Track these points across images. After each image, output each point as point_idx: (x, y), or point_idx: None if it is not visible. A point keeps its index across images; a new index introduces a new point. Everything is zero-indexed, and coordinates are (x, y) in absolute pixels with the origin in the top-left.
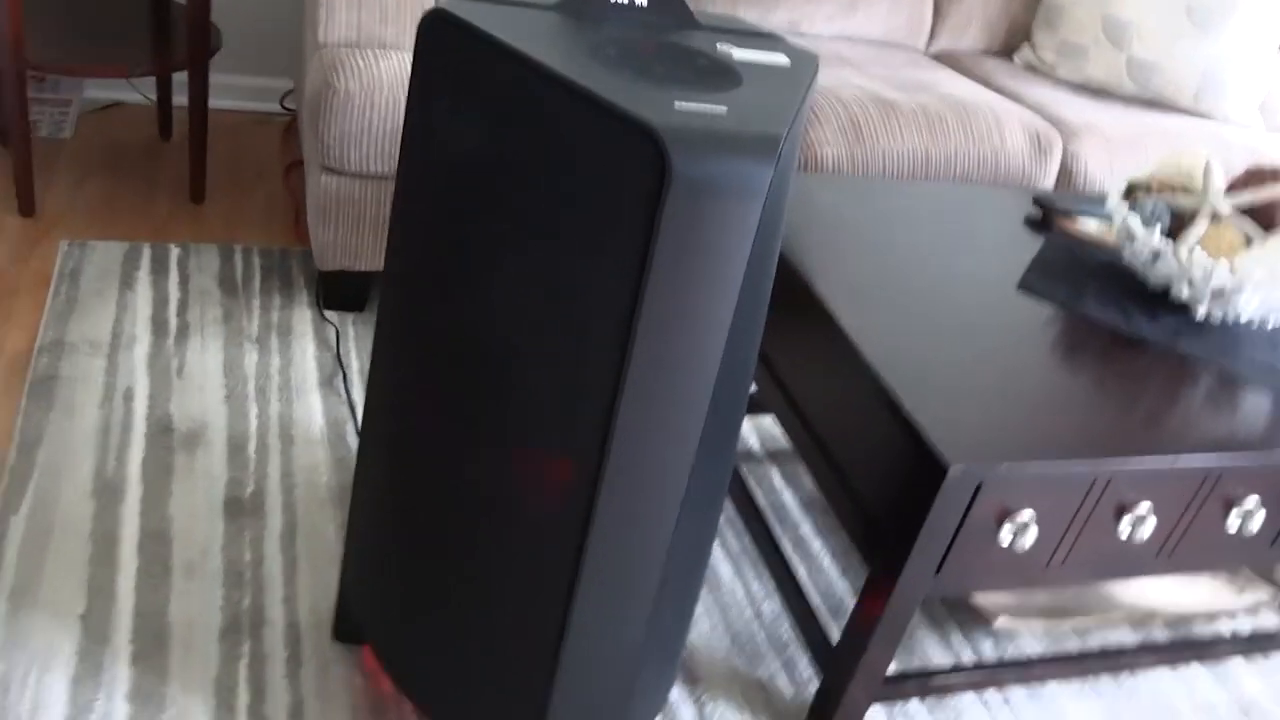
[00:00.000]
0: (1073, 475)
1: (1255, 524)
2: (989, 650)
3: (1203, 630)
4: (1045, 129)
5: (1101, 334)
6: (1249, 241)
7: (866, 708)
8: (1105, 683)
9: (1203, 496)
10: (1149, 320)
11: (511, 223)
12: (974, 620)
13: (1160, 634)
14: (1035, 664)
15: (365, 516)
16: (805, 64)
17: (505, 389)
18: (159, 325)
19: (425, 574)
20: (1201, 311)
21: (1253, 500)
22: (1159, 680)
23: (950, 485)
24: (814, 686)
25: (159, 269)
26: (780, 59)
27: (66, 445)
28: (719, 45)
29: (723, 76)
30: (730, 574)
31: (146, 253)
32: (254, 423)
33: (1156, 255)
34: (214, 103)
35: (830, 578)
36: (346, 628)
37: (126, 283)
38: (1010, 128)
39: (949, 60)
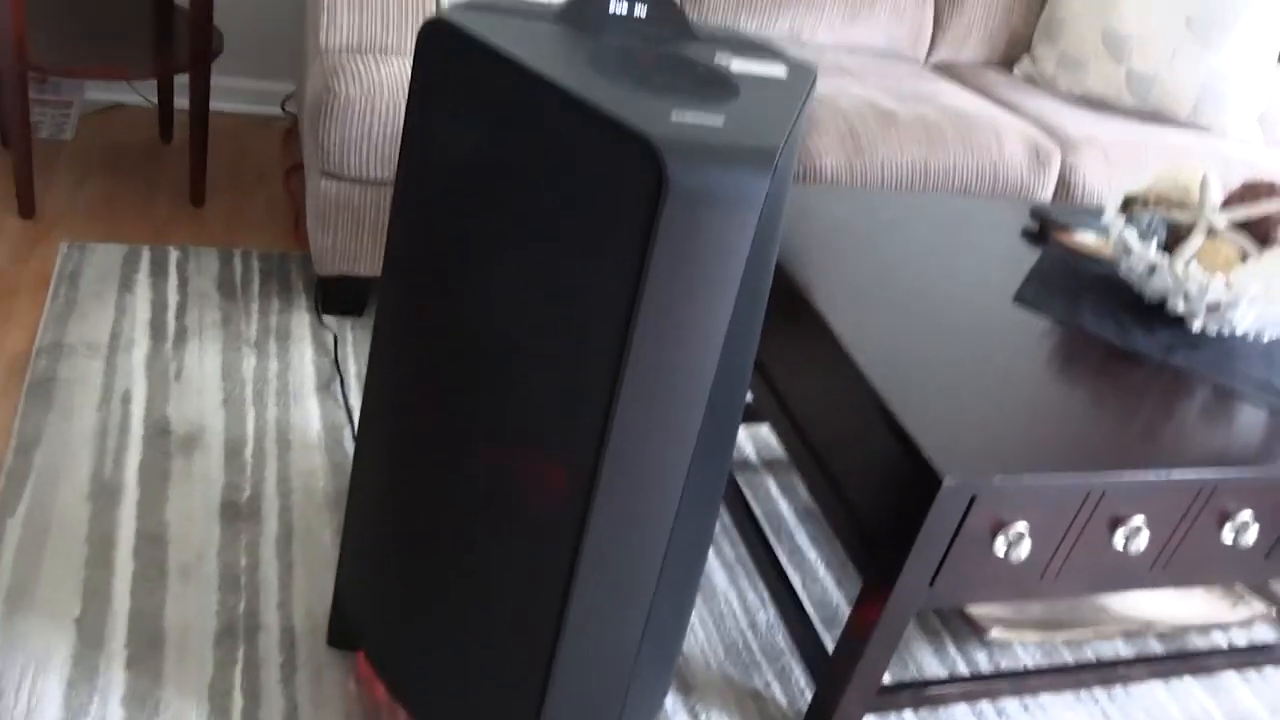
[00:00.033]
0: (1067, 488)
1: (1249, 538)
2: (983, 661)
3: (1197, 643)
4: (1044, 141)
5: (1097, 347)
6: (1245, 256)
7: (861, 718)
8: (1099, 695)
9: (1197, 510)
10: (1144, 334)
11: (510, 228)
12: (968, 631)
13: (1154, 646)
14: (1029, 675)
15: (361, 519)
16: (803, 75)
17: (502, 390)
18: (158, 328)
19: (420, 575)
20: (1197, 325)
21: (1247, 514)
22: (1152, 693)
23: (944, 497)
24: (809, 696)
25: (158, 272)
26: (778, 70)
27: (64, 447)
28: (717, 56)
29: (720, 87)
30: (726, 583)
31: (146, 255)
32: (251, 427)
33: (1152, 269)
34: (215, 105)
35: (825, 587)
36: (341, 633)
37: (126, 285)
38: (1009, 140)
39: (949, 71)
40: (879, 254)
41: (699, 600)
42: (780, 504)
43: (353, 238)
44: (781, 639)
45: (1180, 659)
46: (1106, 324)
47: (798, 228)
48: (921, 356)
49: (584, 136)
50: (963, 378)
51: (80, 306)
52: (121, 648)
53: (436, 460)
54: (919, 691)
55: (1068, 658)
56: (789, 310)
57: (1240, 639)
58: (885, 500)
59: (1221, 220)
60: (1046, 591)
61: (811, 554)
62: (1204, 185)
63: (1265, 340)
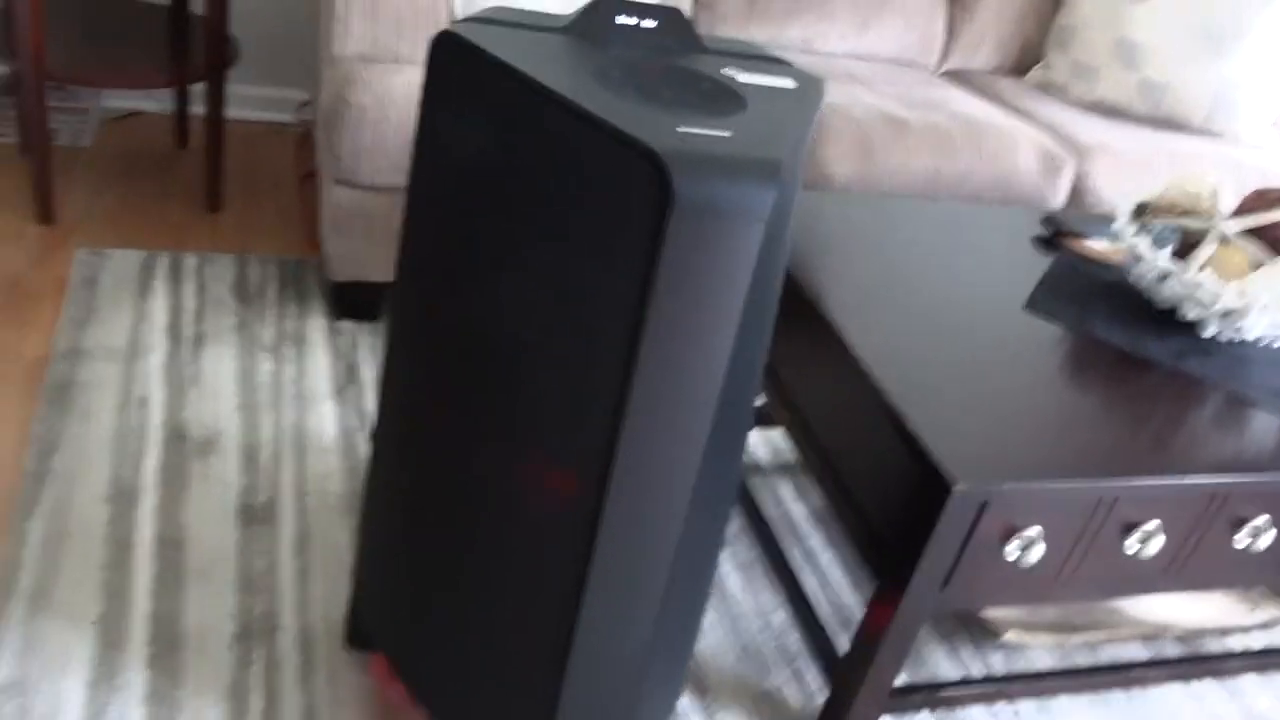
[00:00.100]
0: (1078, 493)
1: (1264, 542)
2: (998, 663)
3: (1214, 646)
4: (1056, 149)
5: (1108, 353)
6: (1256, 264)
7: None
8: (1116, 697)
9: (1210, 516)
10: (1156, 340)
11: (519, 238)
12: (983, 633)
13: (1171, 649)
14: (1045, 677)
15: (377, 521)
16: (811, 87)
17: (513, 395)
18: (175, 333)
19: (434, 576)
20: (1209, 332)
21: (1262, 519)
22: (1170, 695)
23: (955, 503)
24: (822, 698)
25: (175, 277)
26: (786, 82)
27: (83, 451)
28: (724, 68)
29: (727, 100)
30: (740, 585)
31: (163, 261)
32: (268, 431)
33: (1164, 276)
34: (231, 113)
35: (839, 590)
36: (358, 634)
37: (143, 290)
38: (1021, 147)
39: (961, 79)
40: (890, 261)
41: (713, 602)
42: (795, 507)
43: (367, 244)
44: (796, 640)
45: (1198, 662)
46: (1117, 331)
47: (809, 235)
48: (932, 363)
49: (591, 149)
50: (974, 384)
51: (98, 312)
52: (141, 648)
53: (449, 463)
54: (933, 693)
55: (1084, 660)
56: (800, 316)
57: (1258, 642)
58: (896, 505)
59: (1233, 228)
60: (1059, 596)
61: (825, 556)
62: (1214, 193)
63: (1276, 347)
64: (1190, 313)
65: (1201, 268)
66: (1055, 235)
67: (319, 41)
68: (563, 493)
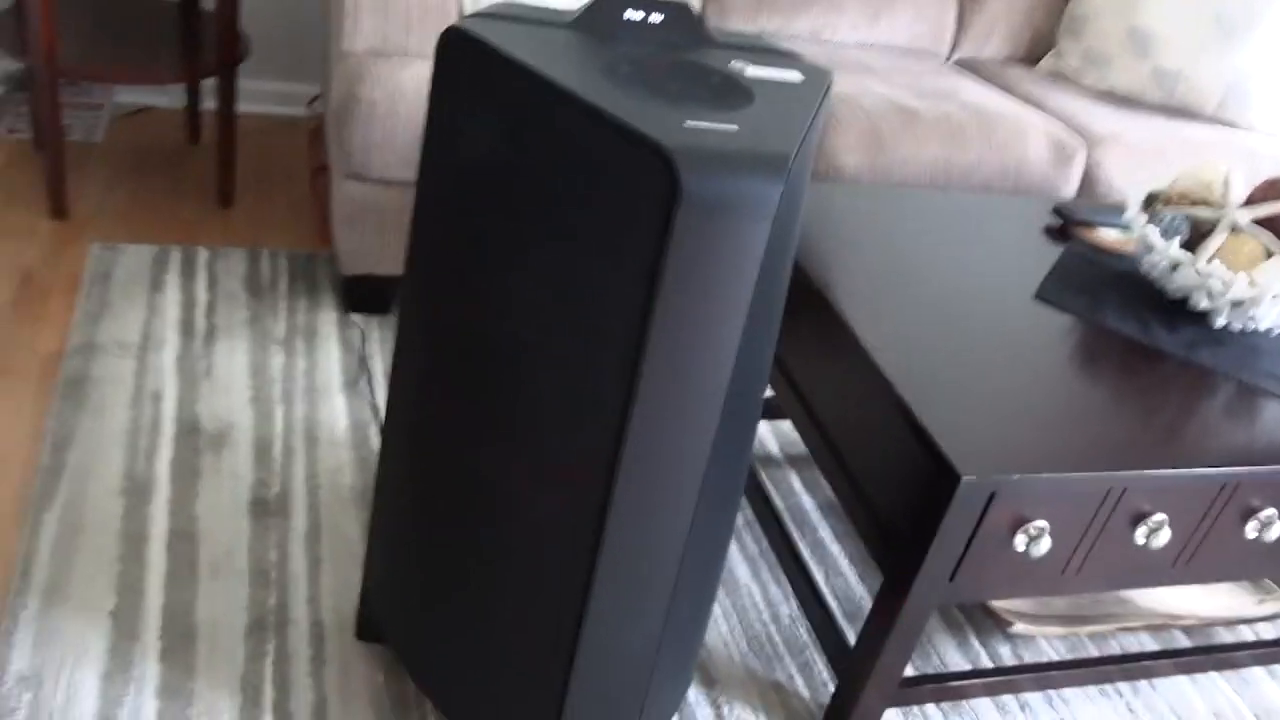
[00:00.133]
0: (1087, 485)
1: (1274, 534)
2: (1006, 655)
3: (1223, 638)
4: (1068, 138)
5: (1119, 344)
6: (1268, 253)
7: (882, 711)
8: (1123, 688)
9: (1220, 507)
10: (1167, 331)
11: (527, 232)
12: (991, 624)
13: (1180, 640)
14: (1053, 669)
15: (387, 514)
16: (819, 80)
17: (521, 387)
18: (187, 327)
19: (443, 570)
20: (1220, 322)
21: (1271, 511)
22: (1178, 687)
23: (963, 494)
24: (831, 690)
25: (188, 271)
26: (793, 76)
27: (97, 445)
28: (732, 62)
29: (735, 94)
30: (749, 577)
31: (176, 255)
32: (279, 424)
33: (1175, 266)
34: (242, 107)
35: (848, 581)
36: (368, 627)
37: (156, 285)
38: (1032, 136)
39: (972, 68)
40: (899, 252)
41: (722, 593)
42: (804, 498)
43: (378, 238)
44: (804, 632)
45: (1206, 653)
46: (1128, 321)
47: (818, 226)
48: (941, 353)
49: (598, 144)
50: (983, 375)
51: (111, 306)
52: (155, 640)
53: (457, 457)
54: (941, 684)
55: (1092, 651)
56: (809, 308)
57: (1267, 634)
58: (905, 496)
59: (1244, 217)
60: (1067, 587)
61: (834, 548)
62: (1226, 183)
63: None
64: (1201, 303)
65: (1212, 258)
66: (1066, 225)
67: (329, 36)
68: (570, 488)
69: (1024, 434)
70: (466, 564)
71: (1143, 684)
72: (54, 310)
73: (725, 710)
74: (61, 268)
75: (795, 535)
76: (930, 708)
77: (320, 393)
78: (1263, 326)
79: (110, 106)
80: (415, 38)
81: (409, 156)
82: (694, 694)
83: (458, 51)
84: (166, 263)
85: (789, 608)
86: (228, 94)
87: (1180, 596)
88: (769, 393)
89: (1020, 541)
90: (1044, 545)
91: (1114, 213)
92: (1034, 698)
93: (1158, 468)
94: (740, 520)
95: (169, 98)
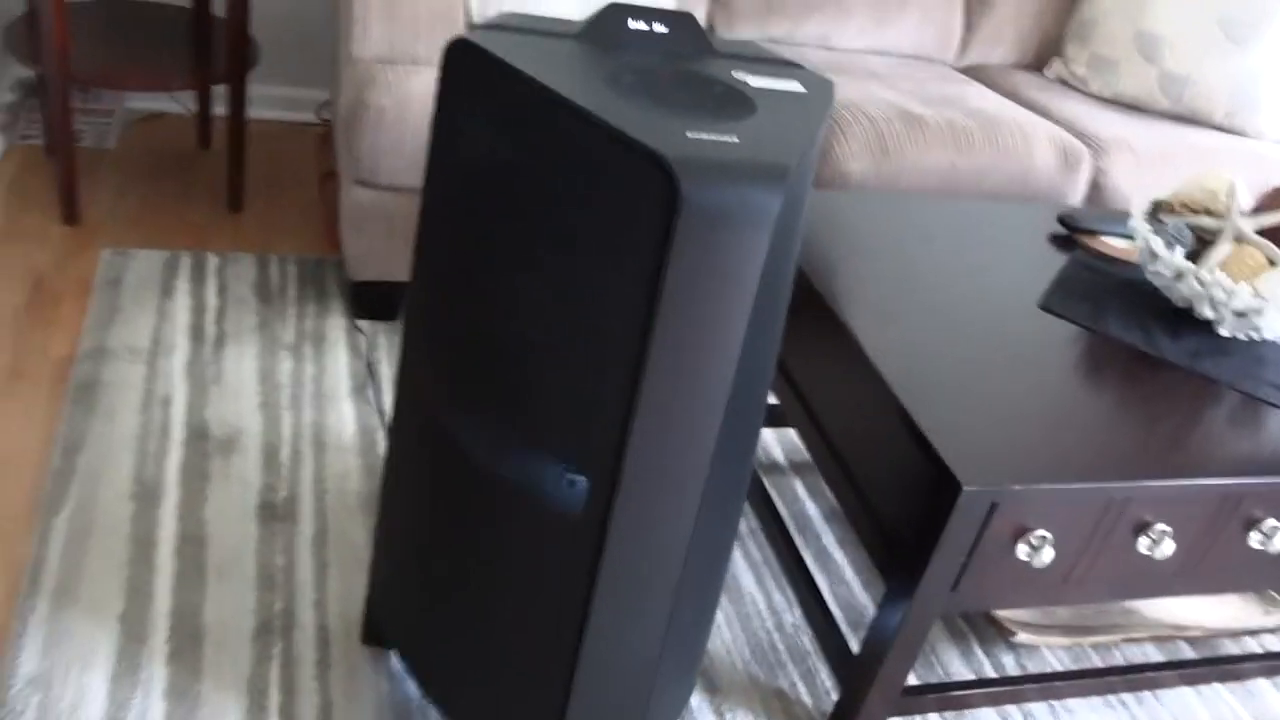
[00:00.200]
0: (1089, 496)
1: (1277, 545)
2: (1010, 664)
3: (1228, 649)
4: (1074, 144)
5: (1122, 353)
6: (1272, 263)
7: (884, 719)
8: (1127, 699)
9: (1223, 518)
10: (1171, 340)
11: (530, 241)
12: (995, 634)
13: (1184, 651)
14: (1056, 679)
15: (392, 520)
16: (822, 90)
17: (524, 394)
18: (197, 332)
19: (447, 575)
20: (1224, 332)
21: (1275, 521)
22: (1182, 698)
23: (964, 504)
24: (834, 697)
25: (198, 277)
26: (796, 85)
27: (107, 449)
28: (735, 72)
29: (737, 104)
30: (752, 584)
31: (186, 261)
32: (288, 430)
33: (1178, 275)
34: (252, 113)
35: (852, 589)
36: (374, 632)
37: (166, 290)
38: (1039, 143)
39: (979, 74)
40: (903, 259)
41: (725, 600)
42: (808, 506)
43: (386, 244)
44: (807, 640)
45: (1211, 664)
46: (1132, 330)
47: (823, 233)
48: (944, 362)
49: (601, 154)
50: (986, 384)
51: (122, 311)
52: (163, 643)
53: (461, 463)
54: (944, 694)
55: (1096, 661)
56: (813, 315)
57: (1273, 645)
58: (907, 505)
59: (1249, 226)
60: (1070, 597)
61: (839, 555)
62: (1230, 192)
63: None
64: (1205, 312)
65: (1217, 267)
66: (1071, 233)
67: (338, 43)
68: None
69: (1027, 443)
70: (469, 568)
71: (1147, 695)
72: (65, 315)
73: (728, 716)
74: (73, 272)
75: (799, 543)
76: (933, 717)
77: (328, 398)
78: (1267, 336)
79: (122, 112)
80: (424, 45)
81: (417, 163)
82: (697, 700)
83: (463, 62)
84: (177, 268)
85: (792, 615)
86: (238, 100)
87: (1186, 607)
88: (773, 399)
89: (1023, 551)
90: (1046, 555)
91: (1118, 221)
92: (1038, 707)
93: (1161, 478)
94: (744, 527)
95: (180, 104)
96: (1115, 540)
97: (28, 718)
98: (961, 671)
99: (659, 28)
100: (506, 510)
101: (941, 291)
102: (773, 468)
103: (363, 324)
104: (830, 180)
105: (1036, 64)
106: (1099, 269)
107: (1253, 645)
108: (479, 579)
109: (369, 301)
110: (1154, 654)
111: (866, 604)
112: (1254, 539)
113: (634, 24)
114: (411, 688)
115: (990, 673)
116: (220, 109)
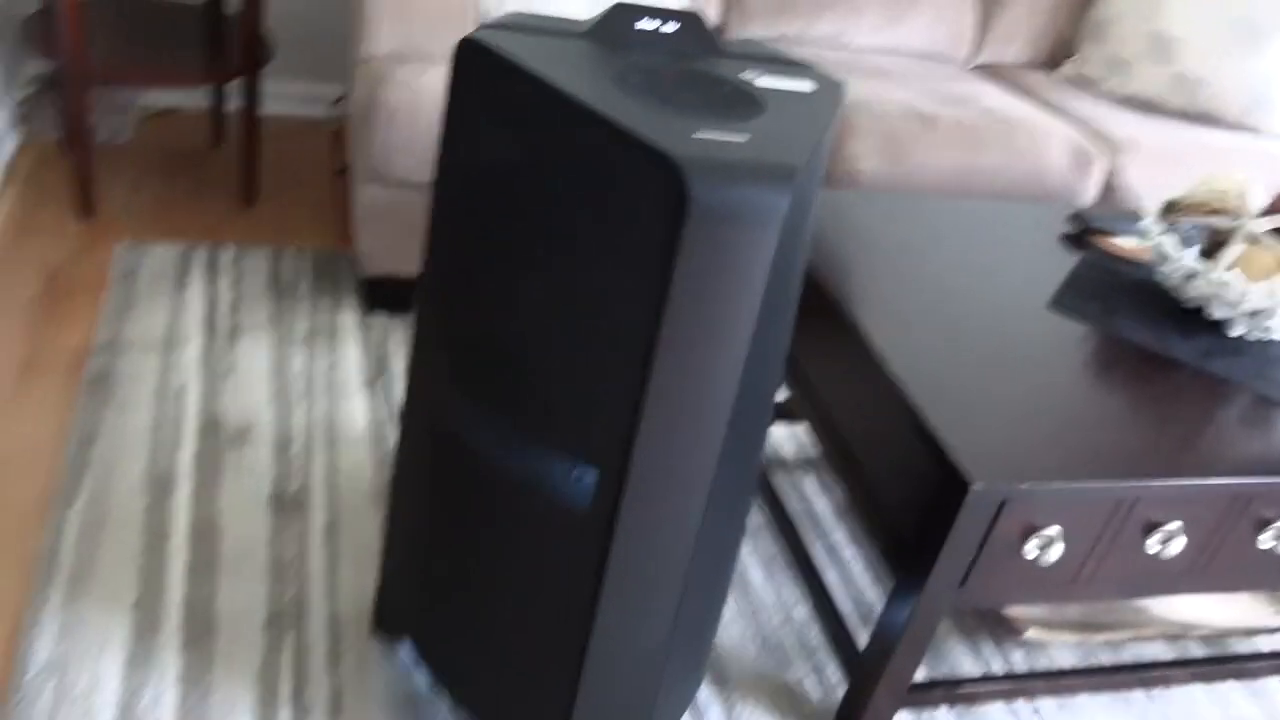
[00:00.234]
0: (1098, 494)
1: None
2: (1019, 660)
3: (1238, 647)
4: (1088, 144)
5: (1133, 352)
6: None
7: (893, 714)
8: (1137, 696)
9: (1233, 517)
10: (1182, 339)
11: (539, 239)
12: (1005, 630)
13: (1195, 649)
14: (1066, 675)
15: (403, 512)
16: (831, 90)
17: (532, 391)
18: (211, 325)
19: (456, 568)
20: (1235, 332)
21: None
22: (1192, 695)
23: (973, 502)
24: (842, 691)
25: (211, 270)
26: (805, 85)
27: (121, 441)
28: (744, 72)
29: (746, 104)
30: (762, 579)
31: (200, 254)
32: (300, 422)
33: (1190, 275)
34: (266, 108)
35: (861, 585)
36: (385, 622)
37: (180, 283)
38: (1051, 143)
39: (993, 73)
40: (914, 259)
41: (735, 595)
42: (818, 502)
43: (398, 239)
44: (816, 634)
45: (1221, 662)
46: (1143, 329)
47: (833, 232)
48: (954, 361)
49: (609, 153)
50: (996, 383)
51: (137, 304)
52: (176, 631)
53: (471, 458)
54: (953, 689)
55: (1106, 658)
56: (823, 313)
57: None
58: (916, 503)
59: (1261, 227)
60: (1079, 595)
61: (848, 551)
62: (1244, 191)
63: None
64: (1217, 312)
65: (1229, 267)
66: (1083, 233)
67: (352, 40)
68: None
69: (1036, 442)
70: (478, 562)
71: (1157, 692)
72: (80, 308)
73: (737, 710)
74: (88, 266)
75: (809, 538)
76: (942, 712)
77: (340, 391)
78: (1278, 337)
79: (137, 108)
80: (436, 42)
81: (429, 159)
82: (705, 693)
83: (472, 61)
84: (191, 262)
85: (801, 610)
86: (252, 96)
87: (1196, 606)
88: (783, 396)
89: (1031, 549)
90: (1055, 553)
91: (1131, 220)
92: (1047, 704)
93: (1171, 478)
94: (755, 523)
95: (194, 99)
96: (1124, 539)
97: (43, 702)
98: (971, 667)
99: (667, 27)
100: (515, 505)
101: (952, 291)
102: (784, 463)
103: (375, 318)
104: (842, 179)
105: (1049, 64)
106: (1110, 269)
107: (1264, 644)
108: (487, 573)
109: (381, 296)
110: (1163, 652)
111: (875, 600)
112: (1264, 539)
113: (641, 23)
114: (421, 678)
115: (999, 669)
116: (234, 105)
